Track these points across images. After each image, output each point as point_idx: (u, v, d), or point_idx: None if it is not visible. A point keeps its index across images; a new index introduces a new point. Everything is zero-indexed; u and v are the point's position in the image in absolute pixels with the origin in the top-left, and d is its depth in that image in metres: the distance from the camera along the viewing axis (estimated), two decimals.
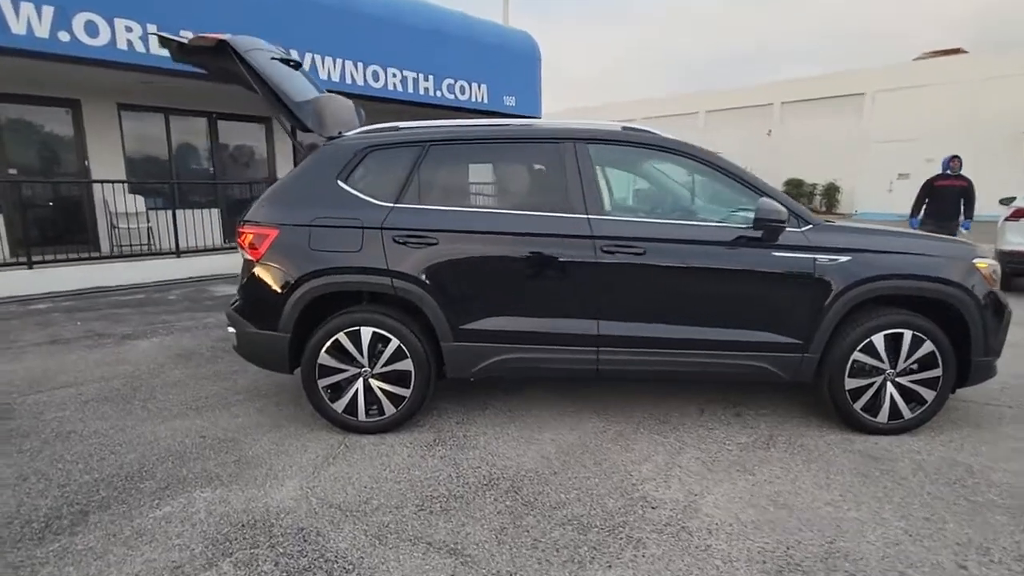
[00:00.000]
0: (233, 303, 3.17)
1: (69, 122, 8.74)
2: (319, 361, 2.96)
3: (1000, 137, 19.37)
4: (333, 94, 3.39)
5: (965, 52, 23.26)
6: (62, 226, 8.65)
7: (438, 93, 10.34)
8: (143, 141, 9.51)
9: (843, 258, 2.89)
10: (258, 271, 3.00)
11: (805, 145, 23.72)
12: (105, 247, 8.76)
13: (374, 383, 3.00)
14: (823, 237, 2.93)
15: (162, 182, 9.51)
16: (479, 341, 2.97)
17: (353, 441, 2.99)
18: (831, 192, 23.37)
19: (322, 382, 2.99)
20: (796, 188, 24.63)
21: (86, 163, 8.83)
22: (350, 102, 3.55)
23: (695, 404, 3.48)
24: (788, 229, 2.89)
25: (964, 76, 20.65)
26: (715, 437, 3.04)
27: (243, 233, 3.07)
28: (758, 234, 2.91)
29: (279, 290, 2.95)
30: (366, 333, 2.94)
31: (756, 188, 2.98)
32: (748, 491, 2.51)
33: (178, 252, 8.54)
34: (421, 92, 10.06)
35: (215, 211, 9.87)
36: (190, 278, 8.36)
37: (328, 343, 2.95)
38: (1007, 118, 19.35)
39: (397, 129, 3.20)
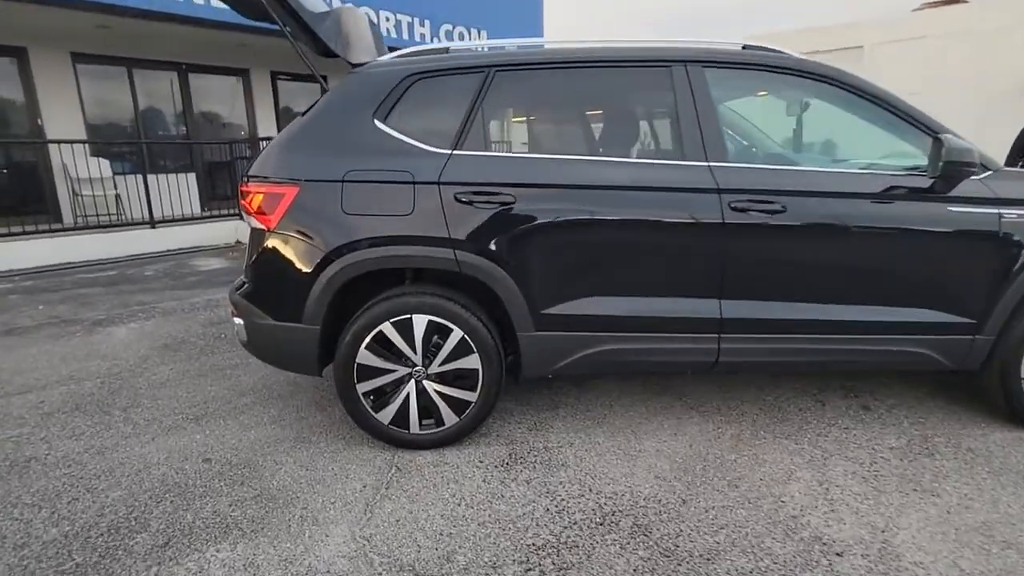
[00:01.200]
0: (239, 287, 2.42)
1: (15, 74, 7.62)
2: (358, 360, 2.26)
3: (1007, 91, 18.88)
4: (353, 7, 2.57)
5: (966, 2, 22.54)
6: (16, 195, 7.65)
7: (435, 40, 9.34)
8: (104, 97, 8.42)
9: None
10: (272, 244, 2.25)
11: None
12: (68, 218, 7.79)
13: (430, 386, 2.32)
14: (1011, 186, 2.27)
15: (129, 142, 8.48)
16: (568, 329, 2.29)
17: (406, 461, 2.32)
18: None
19: (362, 386, 2.29)
20: None
21: (39, 122, 7.76)
22: (370, 18, 2.73)
23: (808, 394, 2.87)
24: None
25: (967, 27, 19.98)
26: (857, 440, 2.43)
27: (248, 193, 2.30)
28: (927, 183, 2.24)
29: (303, 269, 2.21)
30: (420, 322, 2.23)
31: (926, 125, 2.29)
32: (946, 522, 1.91)
33: (152, 222, 7.62)
34: (417, 38, 9.06)
35: (191, 175, 8.88)
36: (168, 251, 7.47)
37: (369, 337, 2.24)
38: (1015, 70, 18.82)
39: (447, 52, 2.43)
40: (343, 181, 2.19)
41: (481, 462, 2.30)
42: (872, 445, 2.39)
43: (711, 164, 2.23)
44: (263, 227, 2.25)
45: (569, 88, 2.47)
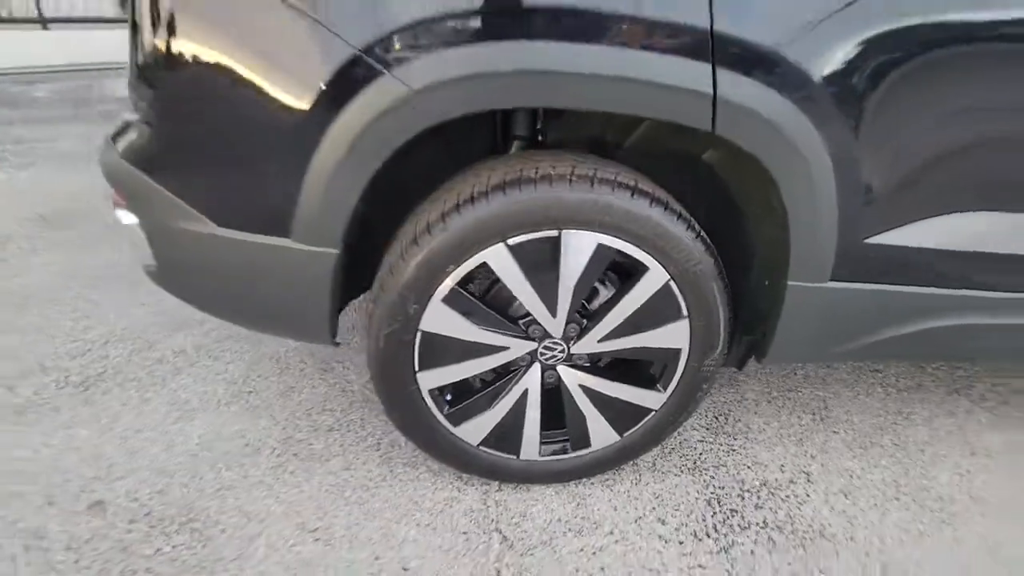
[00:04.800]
0: (122, 133, 1.00)
1: None
2: (423, 326, 0.97)
3: None
4: None
5: None
6: None
7: None
8: None
9: None
10: (197, 26, 0.81)
11: None
12: None
13: (572, 377, 1.09)
14: None
15: None
16: (899, 280, 1.03)
17: (514, 522, 1.15)
18: None
19: (430, 376, 1.04)
20: None
21: None
22: None
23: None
24: None
25: None
26: None
27: None
28: None
29: (289, 99, 0.81)
30: (579, 247, 0.93)
31: None
32: None
33: (43, 21, 5.52)
34: None
35: None
36: (69, 67, 5.49)
37: (454, 275, 0.93)
38: None
39: None
40: None
41: (664, 522, 1.16)
42: None
43: None
44: None
45: None
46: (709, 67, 0.79)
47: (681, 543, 1.12)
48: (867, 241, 0.97)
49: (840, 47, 0.82)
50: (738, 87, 0.80)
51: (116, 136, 0.99)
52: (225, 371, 1.52)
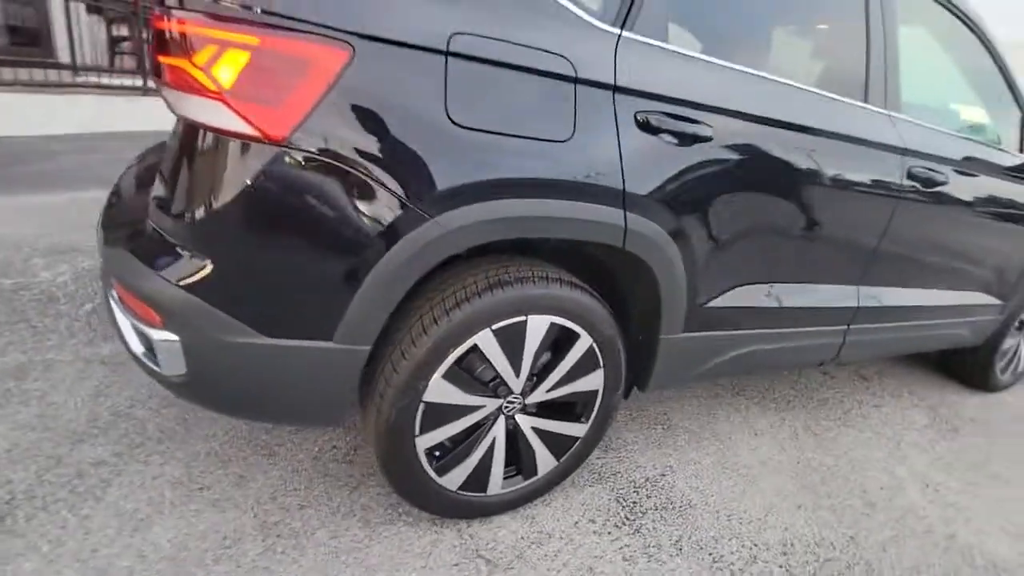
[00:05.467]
0: (172, 266, 1.08)
1: None
2: (426, 397, 1.24)
3: None
4: None
5: None
6: None
7: None
8: None
9: None
10: (277, 177, 1.00)
11: None
12: None
13: (526, 422, 1.44)
14: None
15: None
16: (720, 328, 1.62)
17: (488, 543, 1.44)
18: None
19: (427, 439, 1.30)
20: None
21: None
22: None
23: (824, 376, 2.76)
24: None
25: None
26: (887, 419, 2.38)
27: (199, 40, 0.98)
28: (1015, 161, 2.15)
29: (355, 237, 1.05)
30: (538, 327, 1.31)
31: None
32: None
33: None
34: None
35: None
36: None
37: (454, 356, 1.23)
38: None
39: None
40: (448, 53, 1.05)
41: (593, 521, 1.56)
42: (905, 426, 2.36)
43: (891, 114, 1.73)
44: (255, 134, 0.97)
45: None
46: (623, 212, 1.26)
47: (609, 533, 1.53)
48: (703, 305, 1.54)
49: (684, 202, 1.36)
50: (636, 222, 1.29)
51: (167, 267, 1.05)
52: (162, 473, 1.49)
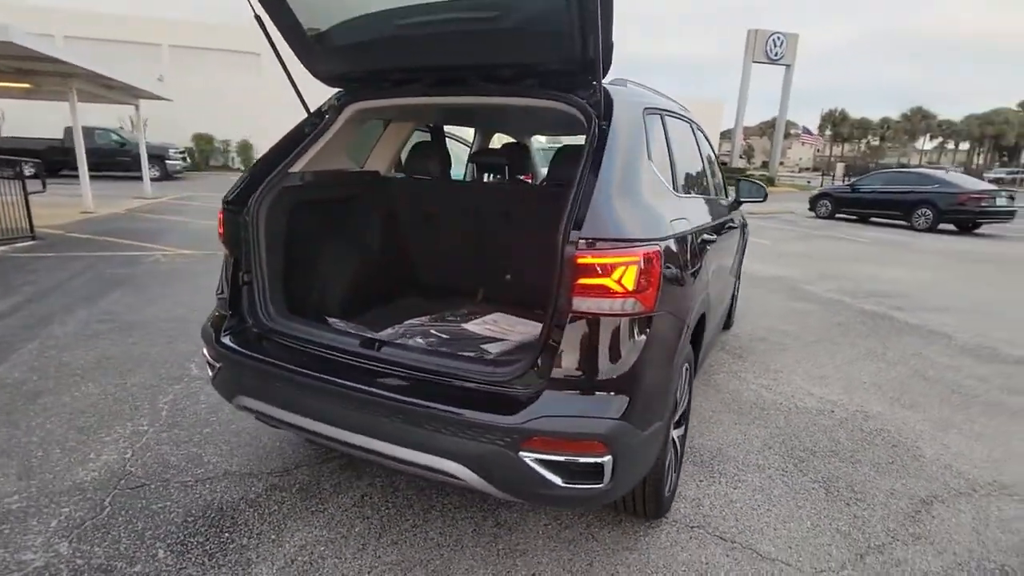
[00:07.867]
0: (603, 413, 1.62)
1: None
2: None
3: None
4: None
5: None
6: None
7: None
8: None
9: None
10: (652, 330, 1.72)
11: (209, 98, 22.28)
12: None
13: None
14: None
15: None
16: None
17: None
18: (246, 149, 23.52)
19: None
20: (207, 143, 23.58)
21: None
22: None
23: None
24: None
25: None
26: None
27: (602, 264, 1.60)
28: None
29: (669, 349, 1.82)
30: None
31: None
32: None
33: None
34: None
35: None
36: None
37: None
38: None
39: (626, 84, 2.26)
40: (675, 236, 1.84)
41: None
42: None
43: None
44: (643, 309, 1.59)
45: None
46: None
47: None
48: None
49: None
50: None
51: (602, 415, 1.57)
52: None
